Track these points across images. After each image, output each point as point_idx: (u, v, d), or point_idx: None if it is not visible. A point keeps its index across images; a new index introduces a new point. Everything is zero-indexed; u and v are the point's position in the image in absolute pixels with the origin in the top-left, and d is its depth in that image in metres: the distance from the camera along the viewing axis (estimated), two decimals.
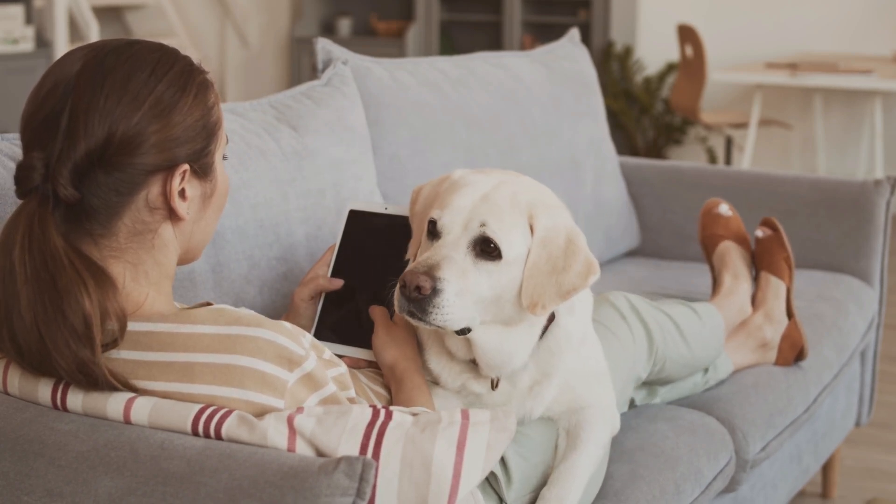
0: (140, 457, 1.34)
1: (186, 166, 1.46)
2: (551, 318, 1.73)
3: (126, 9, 7.62)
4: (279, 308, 2.02)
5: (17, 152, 1.68)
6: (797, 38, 6.73)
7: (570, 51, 3.14)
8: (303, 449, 1.35)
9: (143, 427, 1.39)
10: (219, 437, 1.36)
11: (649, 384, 2.16)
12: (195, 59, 1.52)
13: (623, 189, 3.13)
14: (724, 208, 2.61)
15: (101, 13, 7.29)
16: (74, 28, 6.61)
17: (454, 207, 1.64)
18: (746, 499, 2.31)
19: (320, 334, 1.82)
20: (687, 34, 6.09)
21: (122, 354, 1.42)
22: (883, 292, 2.98)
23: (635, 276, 2.94)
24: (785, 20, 6.75)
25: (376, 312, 1.77)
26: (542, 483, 1.74)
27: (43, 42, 6.05)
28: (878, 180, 2.95)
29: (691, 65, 6.08)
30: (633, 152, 6.85)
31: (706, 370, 2.27)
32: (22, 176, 1.40)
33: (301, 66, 7.54)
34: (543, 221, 1.65)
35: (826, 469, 3.05)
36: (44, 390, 1.44)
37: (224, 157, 1.55)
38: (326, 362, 1.50)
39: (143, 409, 1.40)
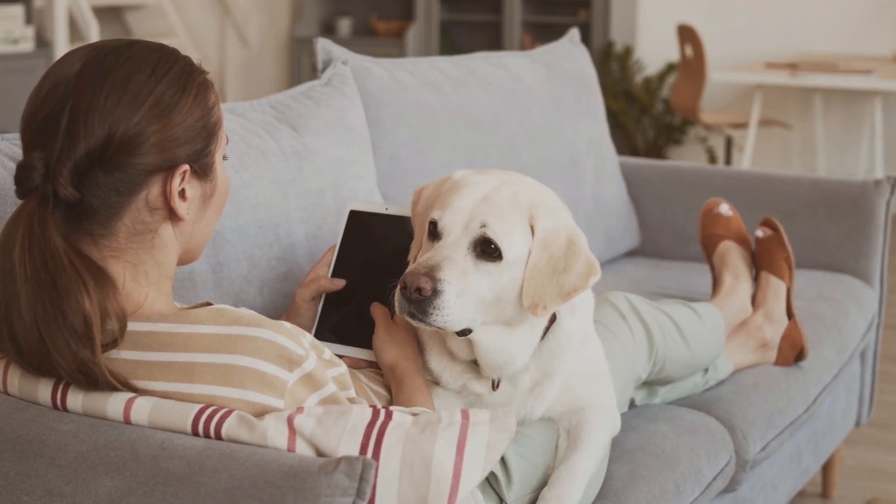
0: (140, 457, 1.34)
1: (186, 166, 1.46)
2: (553, 319, 1.73)
3: (126, 9, 7.62)
4: (279, 308, 2.02)
5: (17, 152, 1.68)
6: (797, 38, 6.73)
7: (570, 51, 3.14)
8: (303, 449, 1.35)
9: (143, 427, 1.39)
10: (219, 437, 1.36)
11: (649, 384, 2.16)
12: (195, 59, 1.52)
13: (623, 189, 3.13)
14: (725, 208, 2.61)
15: (101, 13, 7.29)
16: (74, 28, 6.61)
17: (455, 208, 1.64)
18: (746, 499, 2.31)
19: (321, 334, 1.82)
20: (687, 34, 6.09)
21: (122, 354, 1.42)
22: (883, 292, 2.98)
23: (635, 276, 2.94)
24: (785, 20, 6.75)
25: (377, 311, 1.77)
26: (543, 483, 1.74)
27: (43, 42, 6.05)
28: (878, 180, 2.95)
29: (691, 65, 6.08)
30: (633, 152, 6.85)
31: (706, 370, 2.27)
32: (22, 176, 1.40)
33: (301, 66, 7.54)
34: (544, 222, 1.65)
35: (826, 469, 3.05)
36: (44, 390, 1.44)
37: (224, 158, 1.55)
38: (326, 362, 1.50)
39: (143, 409, 1.40)
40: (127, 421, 1.40)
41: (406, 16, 7.56)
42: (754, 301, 2.46)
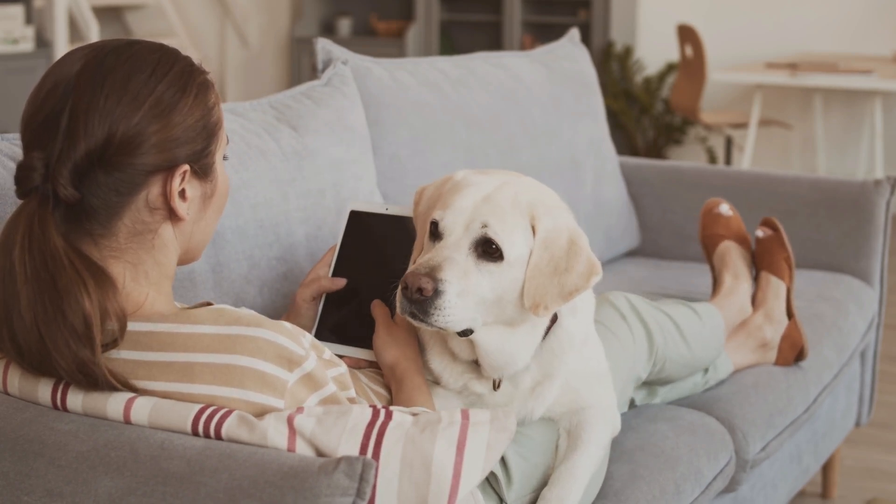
0: (140, 457, 1.34)
1: (187, 167, 1.46)
2: (554, 319, 1.73)
3: (126, 9, 7.62)
4: (279, 308, 2.02)
5: (17, 152, 1.68)
6: (797, 38, 6.73)
7: (570, 51, 3.14)
8: (303, 449, 1.35)
9: (143, 427, 1.39)
10: (219, 437, 1.36)
11: (649, 384, 2.16)
12: (195, 59, 1.52)
13: (623, 189, 3.13)
14: (725, 208, 2.61)
15: (101, 13, 7.29)
16: (74, 28, 6.61)
17: (456, 208, 1.64)
18: (746, 499, 2.31)
19: (321, 334, 1.82)
20: (687, 34, 6.09)
21: (122, 354, 1.42)
22: (883, 292, 2.98)
23: (635, 276, 2.94)
24: (785, 20, 6.75)
25: (377, 311, 1.77)
26: (543, 483, 1.74)
27: (43, 42, 6.05)
28: (878, 180, 2.95)
29: (691, 65, 6.08)
30: (633, 152, 6.85)
31: (706, 370, 2.27)
32: (22, 176, 1.40)
33: (301, 66, 7.54)
34: (545, 222, 1.65)
35: (826, 469, 3.05)
36: (44, 390, 1.44)
37: (224, 158, 1.55)
38: (326, 362, 1.50)
39: (143, 409, 1.40)
40: (127, 421, 1.40)
41: (406, 16, 7.56)
42: (754, 301, 2.46)
